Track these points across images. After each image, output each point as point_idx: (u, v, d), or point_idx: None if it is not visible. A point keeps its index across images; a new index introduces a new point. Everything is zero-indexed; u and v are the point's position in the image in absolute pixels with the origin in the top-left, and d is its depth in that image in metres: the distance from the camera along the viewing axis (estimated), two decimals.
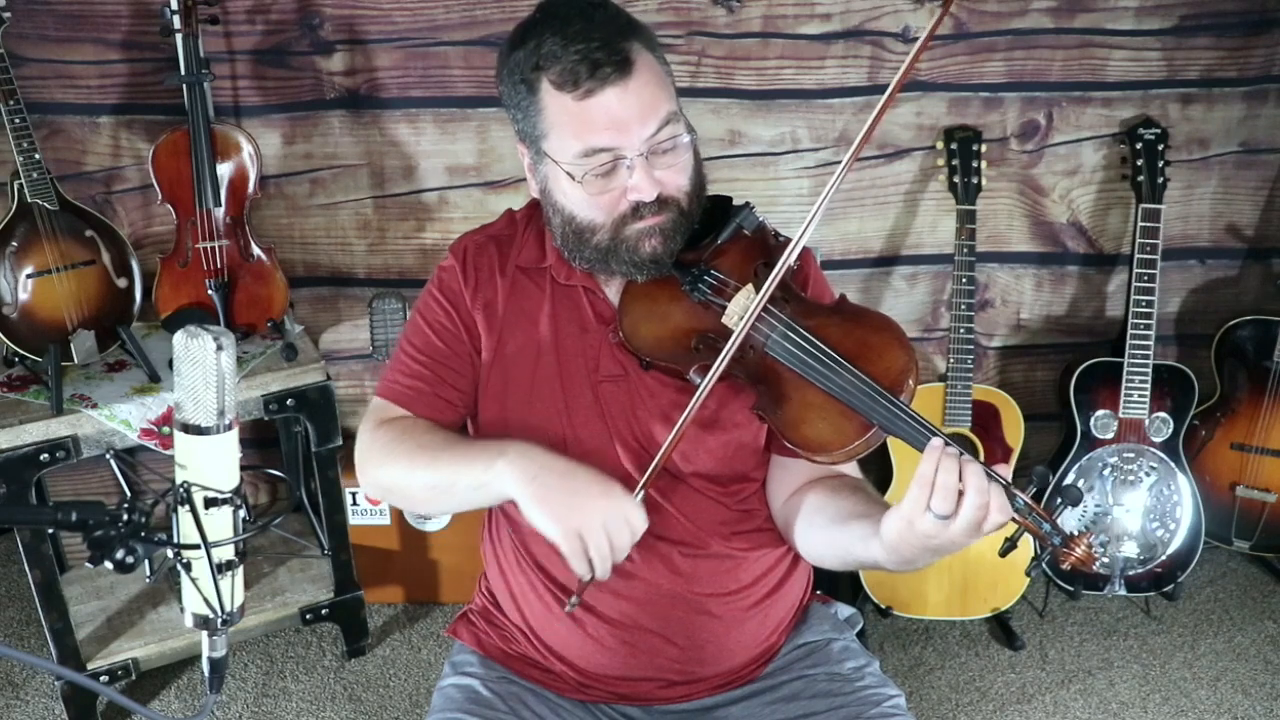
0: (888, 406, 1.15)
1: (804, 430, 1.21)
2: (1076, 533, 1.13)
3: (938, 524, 1.09)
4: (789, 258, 1.24)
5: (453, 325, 1.40)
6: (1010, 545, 1.17)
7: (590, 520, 1.20)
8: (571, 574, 1.39)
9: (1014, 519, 1.12)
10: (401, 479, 1.34)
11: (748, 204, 1.35)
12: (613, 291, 1.38)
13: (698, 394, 1.24)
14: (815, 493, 1.37)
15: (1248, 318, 2.56)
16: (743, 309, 1.26)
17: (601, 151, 1.24)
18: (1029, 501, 1.12)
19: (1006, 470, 1.12)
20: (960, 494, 1.09)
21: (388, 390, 1.42)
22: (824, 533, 1.33)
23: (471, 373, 1.40)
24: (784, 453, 1.39)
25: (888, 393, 1.16)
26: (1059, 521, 1.12)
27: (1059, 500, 1.13)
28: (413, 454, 1.32)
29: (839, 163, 2.50)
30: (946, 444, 1.11)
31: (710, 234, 1.34)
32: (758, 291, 1.27)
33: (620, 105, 1.22)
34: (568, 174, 1.26)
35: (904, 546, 1.15)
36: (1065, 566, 1.13)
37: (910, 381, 1.18)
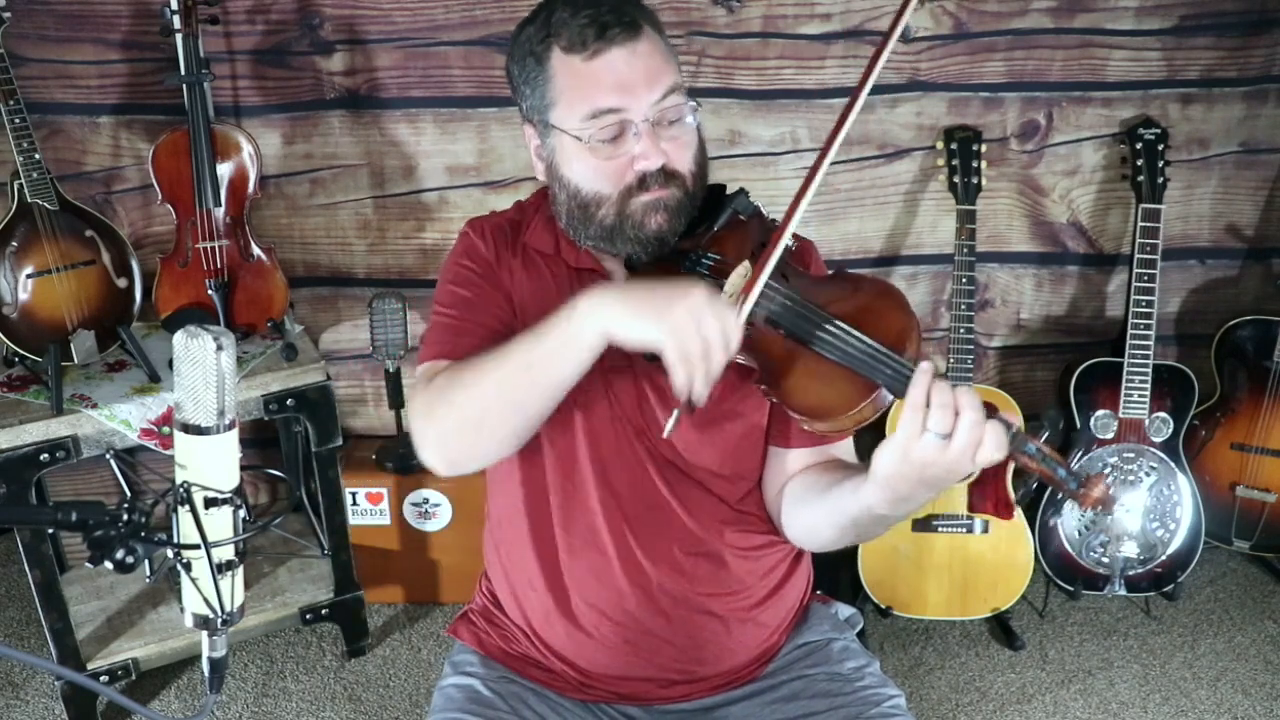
0: (893, 365, 1.14)
1: (809, 397, 1.20)
2: (1090, 474, 1.12)
3: (936, 446, 1.08)
4: (786, 232, 1.23)
5: (480, 278, 1.39)
6: (1027, 493, 1.16)
7: (687, 317, 1.12)
8: (573, 579, 1.40)
9: (1028, 465, 1.11)
10: (473, 394, 1.24)
11: (741, 189, 1.36)
12: (618, 279, 1.38)
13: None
14: (806, 473, 1.37)
15: (1248, 318, 2.56)
16: (740, 282, 1.26)
17: (608, 113, 1.25)
18: (1042, 447, 1.11)
19: (1016, 419, 1.12)
20: (956, 415, 1.08)
21: (428, 352, 1.37)
22: (814, 504, 1.32)
23: (508, 311, 1.37)
24: (780, 441, 1.39)
25: (891, 352, 1.16)
26: (1073, 464, 1.11)
27: (1072, 445, 1.12)
28: (478, 366, 1.24)
29: (839, 162, 2.53)
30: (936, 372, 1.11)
31: (706, 222, 1.34)
32: (754, 267, 1.27)
33: (627, 66, 1.25)
34: (575, 138, 1.27)
35: (898, 480, 1.13)
36: (1085, 508, 1.12)
37: (912, 342, 1.16)
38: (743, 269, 1.27)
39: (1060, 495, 1.15)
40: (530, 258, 1.40)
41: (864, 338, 1.17)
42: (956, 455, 1.08)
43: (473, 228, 1.44)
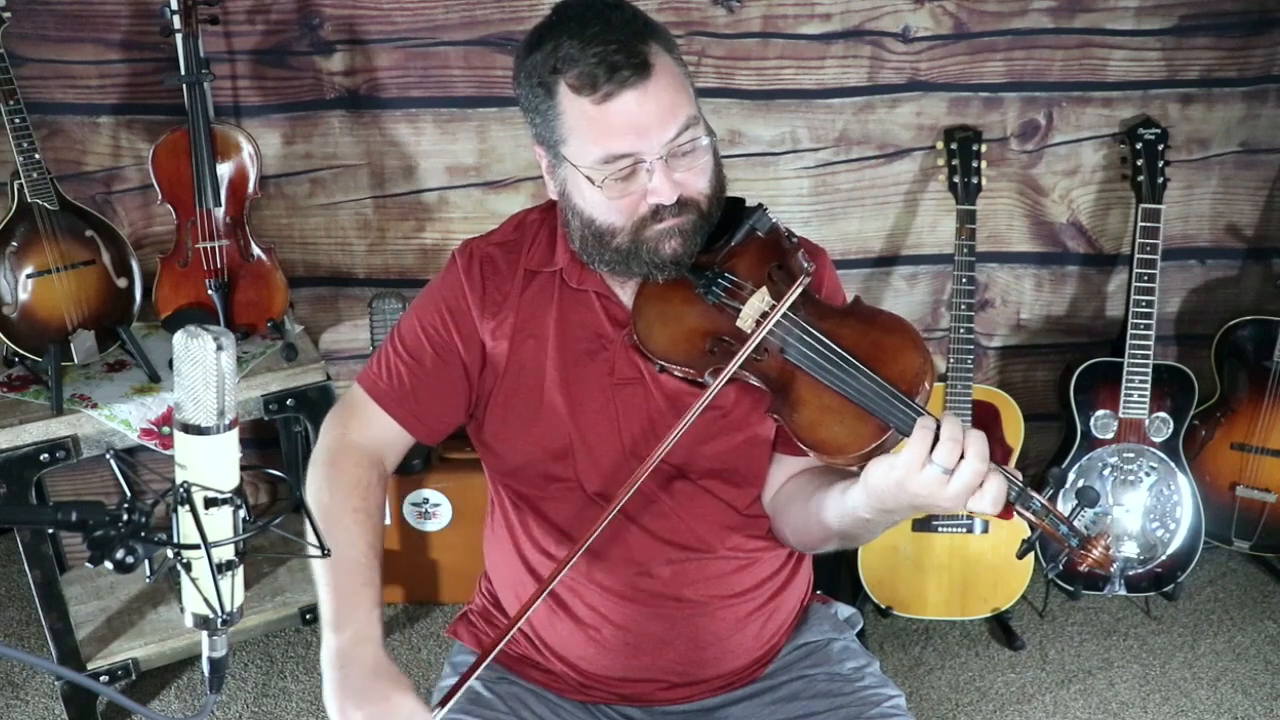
0: (904, 409, 1.15)
1: (819, 433, 1.20)
2: (1092, 534, 1.13)
3: (937, 480, 1.09)
4: (800, 285, 1.24)
5: (447, 335, 1.39)
6: (1028, 547, 1.18)
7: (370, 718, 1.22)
8: (575, 581, 1.40)
9: (1031, 520, 1.13)
10: (320, 521, 1.35)
11: (761, 205, 1.34)
12: (626, 295, 1.37)
13: (701, 401, 1.22)
14: (803, 475, 1.38)
15: (1248, 318, 2.56)
16: (757, 312, 1.26)
17: (622, 157, 1.22)
18: (1046, 503, 1.12)
19: (1016, 473, 1.13)
20: (962, 455, 1.09)
21: (368, 382, 1.43)
22: (806, 503, 1.33)
23: (456, 388, 1.40)
24: (790, 451, 1.39)
25: (904, 395, 1.16)
26: (1076, 523, 1.12)
27: (1076, 502, 1.13)
28: (325, 529, 1.32)
29: (838, 163, 2.52)
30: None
31: (723, 236, 1.33)
32: (771, 294, 1.26)
33: (639, 109, 1.21)
34: (587, 178, 1.25)
35: (887, 496, 1.14)
36: (1083, 568, 1.14)
37: (926, 383, 1.17)
38: (759, 296, 1.27)
39: (1061, 552, 1.16)
40: (529, 278, 1.39)
41: (879, 379, 1.17)
42: (954, 494, 1.10)
43: (463, 258, 1.42)
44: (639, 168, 1.23)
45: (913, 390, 1.16)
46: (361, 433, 1.42)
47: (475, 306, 1.39)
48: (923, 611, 2.51)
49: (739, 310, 1.27)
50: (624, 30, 1.22)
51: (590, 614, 1.39)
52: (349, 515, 1.35)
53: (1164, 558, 2.53)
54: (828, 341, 1.22)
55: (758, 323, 1.25)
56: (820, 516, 1.30)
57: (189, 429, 0.93)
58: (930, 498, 1.11)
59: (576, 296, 1.38)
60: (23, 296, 2.11)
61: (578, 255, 1.35)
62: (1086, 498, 1.14)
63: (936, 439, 1.10)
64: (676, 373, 1.31)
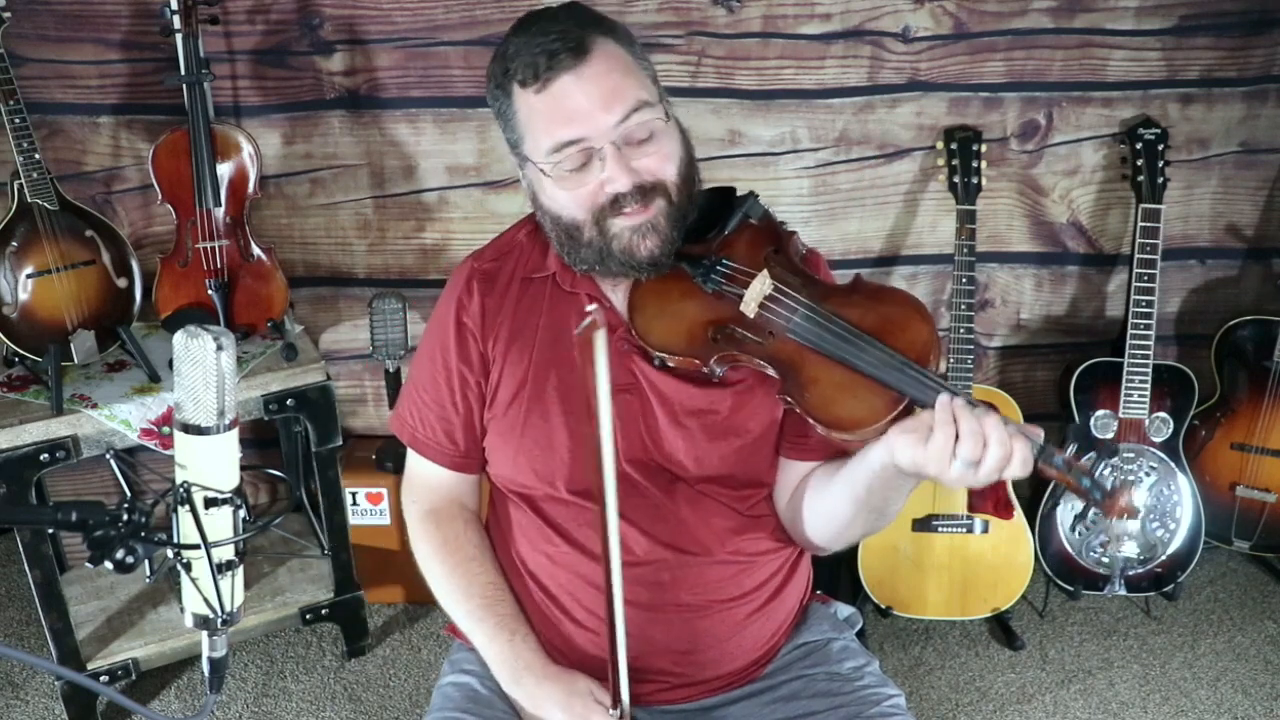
0: (917, 377, 1.14)
1: (834, 410, 1.19)
2: (1115, 485, 1.13)
3: (966, 472, 1.10)
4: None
5: (461, 364, 1.40)
6: (1053, 504, 1.17)
7: None
8: (574, 583, 1.40)
9: (1055, 476, 1.13)
10: (444, 602, 1.48)
11: (752, 193, 1.35)
12: (618, 298, 1.37)
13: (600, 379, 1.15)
14: (817, 471, 1.38)
15: (1248, 318, 2.56)
16: (759, 295, 1.25)
17: (569, 145, 1.22)
18: (1068, 458, 1.12)
19: (1038, 431, 1.13)
20: (985, 444, 1.10)
21: (403, 429, 1.47)
22: (826, 491, 1.33)
23: (474, 386, 1.41)
24: (796, 454, 1.39)
25: (915, 364, 1.15)
26: (1098, 476, 1.12)
27: (1096, 455, 1.13)
28: (454, 597, 1.45)
29: (838, 162, 2.52)
30: (954, 395, 1.12)
31: (716, 226, 1.33)
32: (772, 276, 1.26)
33: (579, 91, 1.21)
34: (542, 172, 1.26)
35: (914, 474, 1.17)
36: (1112, 518, 1.14)
37: (935, 352, 1.17)
38: (761, 279, 1.26)
39: (1086, 505, 1.17)
40: (525, 286, 1.40)
41: (890, 350, 1.17)
42: (984, 478, 1.11)
43: (463, 283, 1.41)
44: (591, 156, 1.23)
45: (922, 360, 1.16)
46: (431, 496, 1.49)
47: (475, 325, 1.39)
48: (923, 611, 2.51)
49: (741, 295, 1.27)
50: (567, 22, 1.24)
51: (589, 616, 1.39)
52: (452, 576, 1.45)
53: (1164, 558, 2.53)
54: (834, 316, 1.21)
55: (761, 305, 1.25)
56: (850, 499, 1.29)
57: (189, 429, 0.93)
58: (964, 484, 1.13)
59: (569, 300, 1.38)
60: (23, 296, 2.11)
61: (561, 258, 1.35)
62: (1107, 450, 1.14)
63: (958, 435, 1.10)
64: (677, 363, 1.30)
